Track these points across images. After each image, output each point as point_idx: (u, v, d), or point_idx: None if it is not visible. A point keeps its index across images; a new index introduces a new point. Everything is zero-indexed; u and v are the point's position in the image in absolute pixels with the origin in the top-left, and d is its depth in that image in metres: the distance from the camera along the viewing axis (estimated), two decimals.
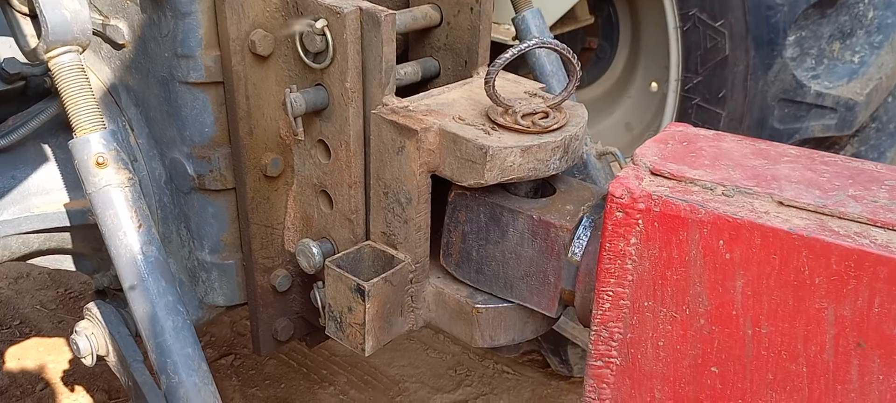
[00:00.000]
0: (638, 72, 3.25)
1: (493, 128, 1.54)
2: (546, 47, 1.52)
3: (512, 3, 2.26)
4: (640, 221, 1.36)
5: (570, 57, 1.52)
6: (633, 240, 1.38)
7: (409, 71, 1.82)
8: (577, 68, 1.56)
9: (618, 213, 1.38)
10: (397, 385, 3.38)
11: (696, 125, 2.70)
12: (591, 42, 3.28)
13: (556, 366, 3.34)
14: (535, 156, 1.51)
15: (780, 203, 1.30)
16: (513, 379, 3.41)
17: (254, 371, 3.47)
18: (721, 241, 1.30)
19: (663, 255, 1.36)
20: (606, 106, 3.41)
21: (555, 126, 1.55)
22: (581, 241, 1.54)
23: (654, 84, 3.16)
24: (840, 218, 1.26)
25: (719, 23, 2.37)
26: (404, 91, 1.81)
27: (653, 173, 1.40)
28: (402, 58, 1.95)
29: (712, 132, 1.58)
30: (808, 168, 1.41)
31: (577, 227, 1.54)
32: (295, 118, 1.63)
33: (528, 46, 1.49)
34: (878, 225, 1.23)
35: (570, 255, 1.54)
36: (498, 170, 1.50)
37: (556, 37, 2.91)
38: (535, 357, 3.53)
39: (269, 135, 1.77)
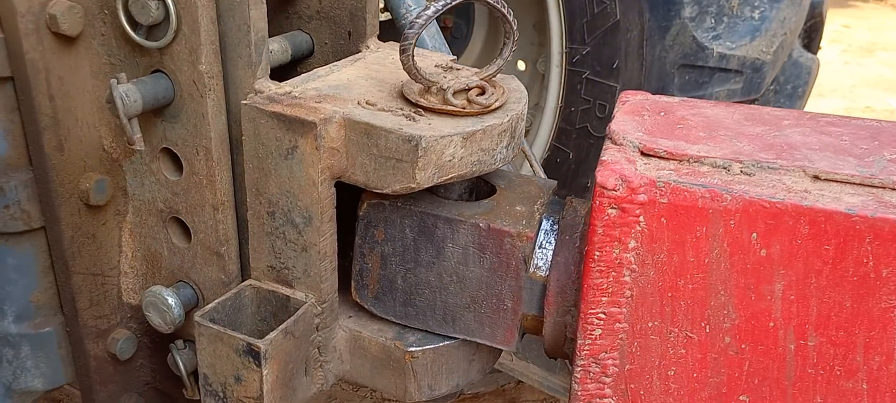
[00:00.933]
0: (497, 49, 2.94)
1: (416, 113, 1.14)
2: (476, 1, 1.13)
3: None
4: (641, 218, 1.02)
5: (504, 11, 1.15)
6: (632, 244, 1.04)
7: (276, 49, 1.37)
8: (515, 28, 1.20)
9: (611, 211, 1.03)
10: None
11: (586, 102, 2.45)
12: (446, 20, 2.94)
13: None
14: (479, 144, 1.13)
15: (816, 177, 1.01)
16: None
17: None
18: (754, 234, 0.98)
19: (674, 260, 1.03)
20: None
21: (496, 104, 1.17)
22: (545, 251, 1.18)
23: (521, 62, 2.87)
24: (893, 189, 0.98)
25: None
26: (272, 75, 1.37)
27: (644, 153, 1.07)
28: None
29: (678, 99, 1.28)
30: (818, 131, 1.13)
31: (536, 234, 1.18)
32: (128, 120, 1.14)
33: (449, 5, 1.10)
34: None
35: (531, 271, 1.18)
36: (434, 168, 1.10)
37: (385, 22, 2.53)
38: None
39: (88, 149, 1.26)
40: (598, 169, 1.03)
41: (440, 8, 1.10)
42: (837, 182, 1.00)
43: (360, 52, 1.40)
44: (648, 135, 1.09)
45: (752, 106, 1.27)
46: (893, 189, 0.98)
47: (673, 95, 2.17)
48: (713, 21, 2.09)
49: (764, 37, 2.07)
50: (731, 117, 1.18)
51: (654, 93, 2.20)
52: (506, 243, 1.17)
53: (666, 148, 1.06)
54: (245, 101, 1.14)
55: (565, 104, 2.37)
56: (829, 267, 0.97)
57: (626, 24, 2.13)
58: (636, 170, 1.02)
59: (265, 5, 1.16)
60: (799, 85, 2.27)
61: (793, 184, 1.00)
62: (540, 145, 2.49)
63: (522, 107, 1.22)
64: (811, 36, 2.40)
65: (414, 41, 1.11)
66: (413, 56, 1.12)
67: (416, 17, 1.10)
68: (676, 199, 1.00)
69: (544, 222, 1.20)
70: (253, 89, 1.18)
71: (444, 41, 1.95)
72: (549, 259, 1.18)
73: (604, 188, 1.02)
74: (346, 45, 1.42)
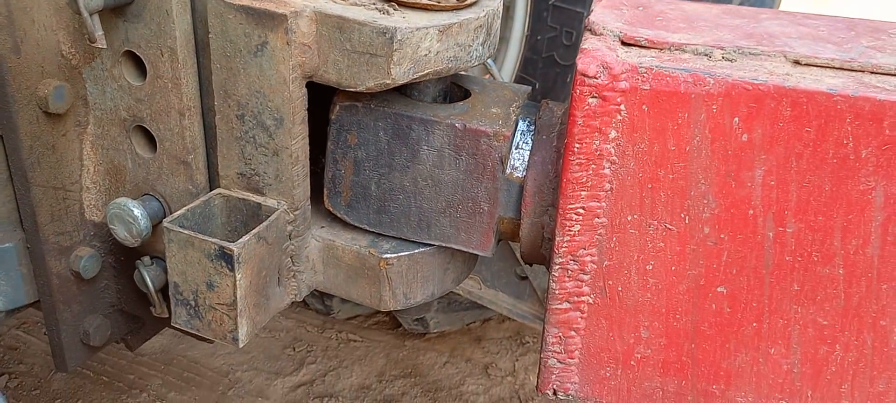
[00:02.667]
0: None
1: (391, 6, 1.10)
2: None
3: None
4: (622, 107, 1.01)
5: None
6: (612, 135, 1.02)
7: None
8: None
9: (591, 100, 1.01)
10: (226, 378, 2.84)
11: (552, 30, 2.42)
12: None
13: (410, 325, 2.97)
14: (455, 39, 1.10)
15: (797, 62, 1.00)
16: (362, 348, 3.00)
17: (38, 391, 2.76)
18: (736, 119, 0.97)
19: (655, 149, 1.02)
20: None
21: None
22: (522, 152, 1.16)
23: None
24: (876, 73, 0.98)
25: None
26: None
27: (624, 43, 1.05)
28: None
29: None
30: (797, 23, 1.13)
31: (513, 134, 1.16)
32: (89, 15, 1.08)
33: None
34: None
35: (508, 172, 1.16)
36: (410, 63, 1.07)
37: None
38: (382, 317, 3.14)
39: (46, 52, 1.20)
40: (578, 56, 1.01)
41: None
42: (818, 66, 0.99)
43: None
44: (629, 26, 1.08)
45: (728, 4, 1.26)
46: (873, 72, 0.98)
47: None
48: None
49: None
50: (710, 12, 1.16)
51: None
52: (482, 143, 1.15)
53: (647, 36, 1.04)
54: None
55: (531, 32, 2.34)
56: (810, 150, 0.96)
57: None
58: (618, 56, 1.00)
59: None
60: None
61: (774, 68, 0.99)
62: (505, 76, 2.46)
63: (498, 4, 1.19)
64: None
65: None
66: None
67: None
68: (659, 85, 0.99)
69: (520, 123, 1.18)
70: None
71: None
72: (527, 159, 1.16)
73: (585, 76, 1.00)
74: None
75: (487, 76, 2.01)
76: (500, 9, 1.20)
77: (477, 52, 1.15)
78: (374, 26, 1.05)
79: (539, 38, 2.33)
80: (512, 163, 1.16)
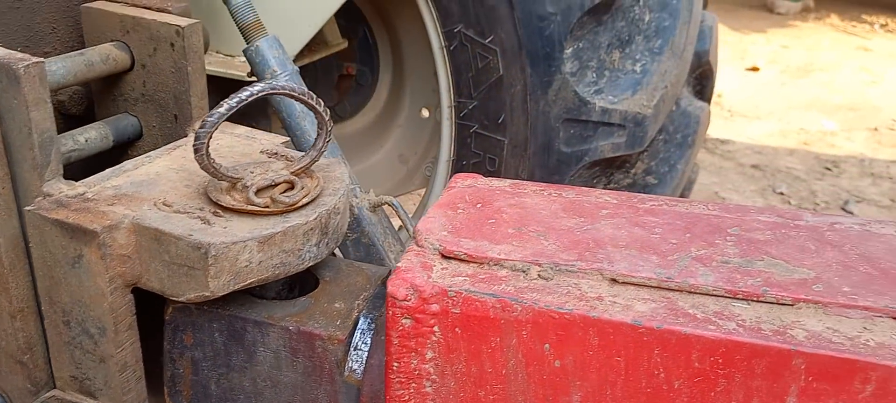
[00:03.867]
0: (405, 97, 2.90)
1: (215, 214, 1.08)
2: (279, 93, 1.08)
3: (240, 31, 1.79)
4: (436, 328, 0.97)
5: (314, 104, 1.10)
6: (429, 355, 0.98)
7: (94, 136, 1.30)
8: (327, 118, 1.14)
9: (404, 321, 0.97)
10: None
11: (477, 156, 2.40)
12: (349, 68, 2.89)
13: None
14: (280, 247, 1.07)
15: (614, 281, 0.96)
16: None
17: None
18: (547, 345, 0.93)
19: (472, 370, 0.97)
20: (375, 138, 3.03)
21: (304, 200, 1.11)
22: (360, 353, 1.12)
23: (425, 110, 2.83)
24: (692, 293, 0.94)
25: (489, 39, 2.07)
26: (99, 162, 1.30)
27: (444, 256, 1.02)
28: (87, 117, 1.42)
29: (509, 182, 1.24)
30: (633, 222, 1.09)
31: (351, 334, 1.12)
32: None
33: (253, 95, 1.05)
34: (740, 297, 0.93)
35: (346, 374, 1.12)
36: (228, 276, 1.04)
37: (304, 67, 2.48)
38: None
39: None
40: (390, 277, 0.98)
41: (234, 105, 1.04)
42: (634, 285, 0.96)
43: (186, 136, 1.34)
44: (453, 235, 1.04)
45: (583, 190, 1.22)
46: (690, 292, 0.94)
47: (561, 150, 2.14)
48: (595, 75, 2.07)
49: (645, 90, 2.04)
50: (550, 208, 1.13)
51: (540, 148, 2.16)
52: (317, 346, 1.11)
53: (467, 250, 1.01)
54: (29, 207, 1.07)
55: (457, 156, 2.32)
56: (623, 379, 0.92)
57: (509, 79, 2.10)
58: (430, 277, 0.97)
59: (50, 105, 1.09)
60: (688, 134, 2.25)
61: (589, 289, 0.95)
62: (436, 196, 2.44)
63: (338, 199, 1.16)
64: (703, 84, 2.38)
65: (206, 140, 1.05)
66: (208, 154, 1.06)
67: (208, 116, 1.04)
68: (469, 310, 0.95)
69: (361, 320, 1.14)
70: (41, 192, 1.10)
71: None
72: (364, 361, 1.12)
73: (395, 299, 0.96)
74: (174, 129, 1.36)
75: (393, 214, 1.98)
76: (342, 203, 1.17)
77: (310, 254, 1.12)
78: (189, 241, 1.02)
79: (464, 162, 2.31)
80: (350, 365, 1.12)
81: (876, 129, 6.42)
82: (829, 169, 5.70)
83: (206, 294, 1.04)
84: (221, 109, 1.05)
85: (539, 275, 0.97)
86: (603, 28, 2.04)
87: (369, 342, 1.13)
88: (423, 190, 2.75)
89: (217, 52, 2.25)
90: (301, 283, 1.25)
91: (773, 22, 9.75)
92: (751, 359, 0.87)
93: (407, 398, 1.01)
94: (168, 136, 1.36)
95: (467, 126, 2.25)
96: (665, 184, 2.23)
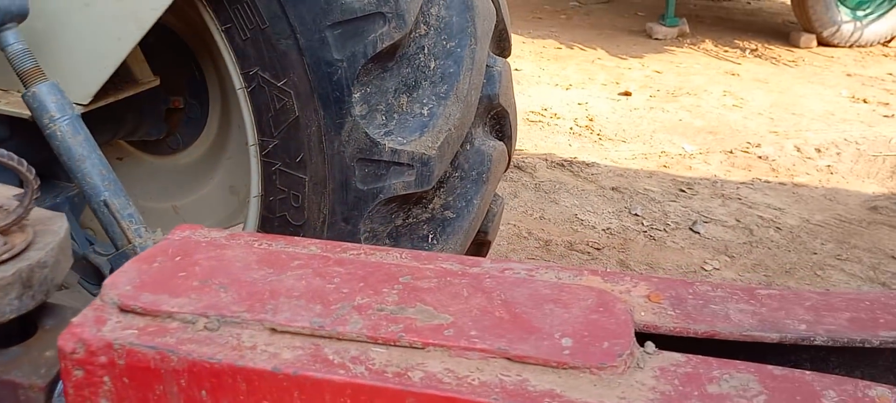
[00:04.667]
0: (233, 130, 2.97)
1: None
2: None
3: (18, 77, 1.83)
4: (106, 378, 1.05)
5: (14, 164, 1.16)
6: (102, 402, 1.06)
7: None
8: (32, 177, 1.20)
9: (76, 372, 1.05)
10: None
11: (283, 192, 2.49)
12: (176, 101, 2.93)
13: None
14: None
15: (273, 330, 1.07)
16: None
17: None
18: (203, 392, 1.02)
19: None
20: (207, 170, 3.08)
21: (5, 255, 1.17)
22: (61, 401, 1.19)
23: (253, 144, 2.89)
24: (338, 339, 1.05)
25: (283, 82, 2.16)
26: None
27: (122, 309, 1.10)
28: None
29: (225, 234, 1.33)
30: (318, 273, 1.20)
31: (55, 382, 1.19)
32: None
33: None
34: (379, 341, 1.05)
35: None
36: None
37: (123, 102, 2.52)
38: None
39: None
40: (62, 332, 1.05)
41: None
42: (290, 333, 1.06)
43: None
44: (136, 288, 1.13)
45: (293, 240, 1.33)
46: (336, 338, 1.05)
47: (357, 187, 2.25)
48: (384, 118, 2.18)
49: (431, 133, 2.17)
50: (246, 260, 1.23)
51: (339, 186, 2.25)
52: (20, 395, 1.17)
53: (143, 303, 1.09)
54: None
55: (265, 192, 2.40)
56: None
57: (305, 120, 2.19)
58: (100, 331, 1.05)
59: None
60: (483, 170, 2.39)
61: (247, 339, 1.05)
62: (249, 232, 2.51)
63: (46, 252, 1.22)
64: (501, 123, 2.54)
65: None
66: None
67: None
68: (132, 361, 1.03)
69: None
70: None
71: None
72: None
73: (64, 352, 1.04)
74: None
75: None
76: (51, 256, 1.24)
77: (10, 307, 1.18)
78: None
79: (271, 198, 2.39)
80: None
81: (731, 152, 6.82)
82: (683, 190, 6.04)
83: None
84: None
85: (205, 327, 1.07)
86: (389, 74, 2.16)
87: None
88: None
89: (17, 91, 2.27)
90: (24, 328, 1.30)
91: (650, 47, 10.22)
92: (373, 399, 0.99)
93: None
94: None
95: (271, 163, 2.34)
96: (463, 217, 2.37)
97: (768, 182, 6.20)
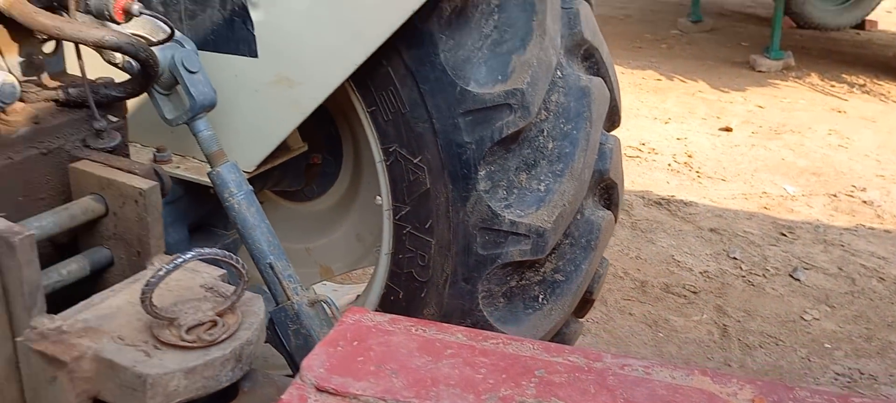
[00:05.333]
0: (362, 185, 3.29)
1: (155, 347, 1.45)
2: (206, 258, 1.46)
3: (206, 158, 2.19)
4: None
5: (229, 261, 1.48)
6: None
7: (74, 269, 1.68)
8: (244, 272, 1.52)
9: None
10: None
11: (411, 252, 2.78)
12: (315, 158, 3.28)
13: None
14: (202, 375, 1.44)
15: None
16: None
17: None
18: None
19: None
20: (337, 217, 3.42)
21: (224, 336, 1.49)
22: None
23: (378, 197, 3.21)
24: None
25: (418, 159, 2.45)
26: (75, 288, 1.68)
27: (318, 389, 1.39)
28: (72, 245, 1.80)
29: (388, 318, 1.60)
30: (467, 362, 1.46)
31: None
32: None
33: (185, 260, 1.43)
34: None
35: None
36: (162, 397, 1.41)
37: (273, 170, 2.86)
38: None
39: None
40: None
41: (170, 268, 1.42)
42: None
43: (145, 268, 1.72)
44: (328, 371, 1.41)
45: (443, 327, 1.59)
46: None
47: (478, 252, 2.52)
48: (505, 193, 2.45)
49: (547, 207, 2.42)
50: (408, 346, 1.50)
51: (461, 250, 2.53)
52: None
53: (334, 386, 1.38)
54: (19, 338, 1.45)
55: (395, 250, 2.70)
56: None
57: (435, 192, 2.48)
58: None
59: (37, 262, 1.47)
60: (592, 238, 2.62)
61: None
62: (378, 283, 2.82)
63: (252, 332, 1.53)
64: (609, 194, 2.76)
65: (150, 294, 1.42)
66: (151, 304, 1.43)
67: (154, 274, 1.42)
68: None
69: None
70: (29, 326, 1.48)
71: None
72: None
73: None
74: (137, 261, 1.74)
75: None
76: (255, 335, 1.55)
77: (227, 377, 1.49)
78: (133, 371, 1.39)
79: (401, 256, 2.69)
80: None
81: (835, 196, 6.76)
82: (784, 234, 6.06)
83: None
84: (161, 273, 1.42)
85: None
86: (511, 154, 2.42)
87: None
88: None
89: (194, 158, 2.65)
90: (225, 393, 1.61)
91: (753, 80, 10.11)
92: None
93: None
94: (133, 267, 1.74)
95: (402, 226, 2.63)
96: (571, 280, 2.61)
97: (873, 229, 6.14)
